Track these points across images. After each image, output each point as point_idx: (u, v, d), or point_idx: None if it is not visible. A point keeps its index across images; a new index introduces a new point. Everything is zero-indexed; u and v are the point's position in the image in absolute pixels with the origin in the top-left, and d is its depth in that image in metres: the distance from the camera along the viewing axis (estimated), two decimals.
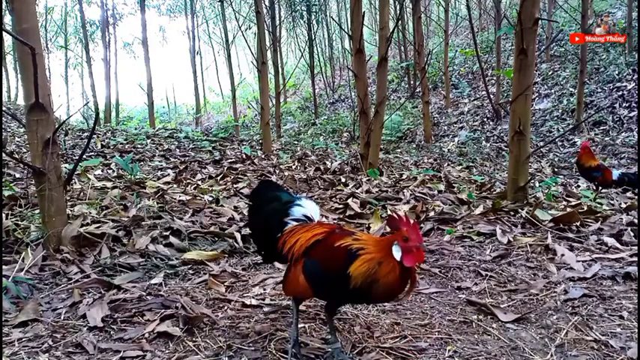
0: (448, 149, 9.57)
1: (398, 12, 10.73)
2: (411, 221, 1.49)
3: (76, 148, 6.54)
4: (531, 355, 1.76)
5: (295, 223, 1.77)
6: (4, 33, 2.67)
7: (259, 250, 1.95)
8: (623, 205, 4.08)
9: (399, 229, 1.48)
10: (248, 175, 5.41)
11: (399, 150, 9.99)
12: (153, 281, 2.39)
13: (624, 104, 9.19)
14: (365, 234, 1.64)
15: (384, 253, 1.48)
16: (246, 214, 2.00)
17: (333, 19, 17.33)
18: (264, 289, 2.35)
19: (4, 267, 2.31)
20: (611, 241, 2.87)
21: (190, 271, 2.58)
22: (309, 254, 1.61)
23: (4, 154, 3.60)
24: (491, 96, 10.86)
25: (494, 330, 1.94)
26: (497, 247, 2.93)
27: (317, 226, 1.72)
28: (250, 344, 1.83)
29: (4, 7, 2.71)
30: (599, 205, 4.08)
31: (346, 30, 11.32)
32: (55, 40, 20.05)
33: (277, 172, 5.66)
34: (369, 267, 1.46)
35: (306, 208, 1.83)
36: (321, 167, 6.13)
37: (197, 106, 19.30)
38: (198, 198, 4.03)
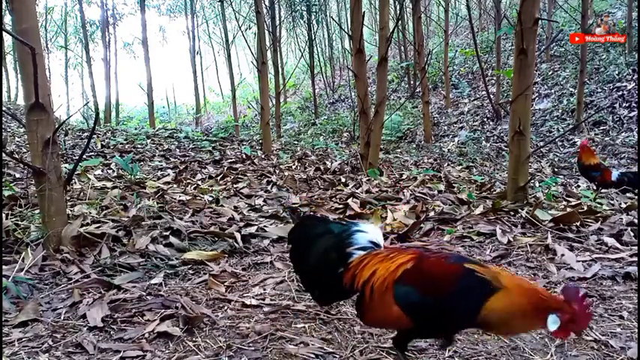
0: (448, 149, 9.57)
1: (398, 12, 10.72)
2: (589, 304, 1.30)
3: (76, 148, 6.54)
4: (531, 355, 1.76)
5: (362, 252, 1.56)
6: (4, 33, 2.67)
7: (314, 293, 1.72)
8: (623, 205, 4.07)
9: (569, 302, 1.27)
10: (248, 175, 5.41)
11: (399, 150, 9.99)
12: (153, 281, 2.39)
13: (624, 104, 9.19)
14: (482, 264, 1.41)
15: (531, 307, 1.29)
16: (290, 257, 1.81)
17: (333, 19, 17.32)
18: (264, 289, 2.35)
19: (4, 267, 2.31)
20: (611, 241, 2.87)
21: (190, 271, 2.58)
22: (403, 280, 1.41)
23: (4, 154, 3.60)
24: (492, 96, 10.85)
25: None
26: (497, 247, 2.93)
27: (395, 253, 1.50)
28: (250, 344, 1.83)
29: (4, 7, 2.71)
30: (599, 205, 4.09)
31: (346, 30, 11.31)
32: (55, 40, 20.05)
33: (277, 172, 5.66)
34: (509, 313, 1.29)
35: (370, 233, 1.63)
36: (321, 167, 6.13)
37: (197, 106, 19.29)
38: (198, 198, 4.03)
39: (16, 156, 4.79)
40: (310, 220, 1.93)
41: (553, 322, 1.28)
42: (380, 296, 1.43)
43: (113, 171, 5.18)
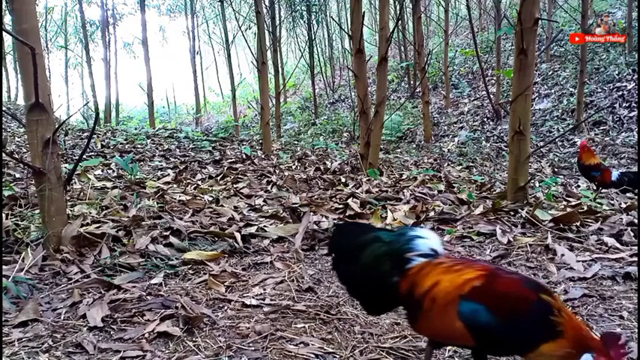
0: (448, 149, 9.57)
1: (398, 12, 10.73)
2: (626, 353, 1.23)
3: (76, 148, 6.54)
4: None
5: (422, 260, 1.47)
6: (4, 33, 2.67)
7: (364, 304, 1.65)
8: (623, 205, 4.07)
9: (608, 348, 1.22)
10: (248, 175, 5.41)
11: (399, 150, 9.99)
12: (153, 281, 2.39)
13: (624, 104, 9.19)
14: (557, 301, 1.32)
15: (577, 349, 1.24)
16: (333, 268, 1.71)
17: (333, 19, 17.32)
18: (264, 289, 2.35)
19: (4, 267, 2.31)
20: (611, 241, 2.87)
21: (190, 271, 2.58)
22: (472, 297, 1.33)
23: (4, 154, 3.60)
24: (491, 96, 10.86)
25: None
26: (497, 247, 2.93)
27: (460, 266, 1.42)
28: (250, 344, 1.83)
29: (4, 7, 2.71)
30: (599, 205, 4.09)
31: (346, 30, 11.31)
32: (55, 40, 20.07)
33: (277, 172, 5.66)
34: (556, 357, 1.24)
35: (431, 239, 1.53)
36: (321, 167, 6.13)
37: (197, 106, 19.30)
38: (198, 198, 4.03)
39: (16, 156, 4.80)
40: (349, 227, 1.84)
41: None
42: (441, 309, 1.36)
43: (113, 171, 5.18)
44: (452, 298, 1.34)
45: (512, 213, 3.55)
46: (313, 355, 1.75)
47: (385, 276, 1.48)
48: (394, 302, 1.53)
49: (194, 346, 1.81)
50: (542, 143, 8.68)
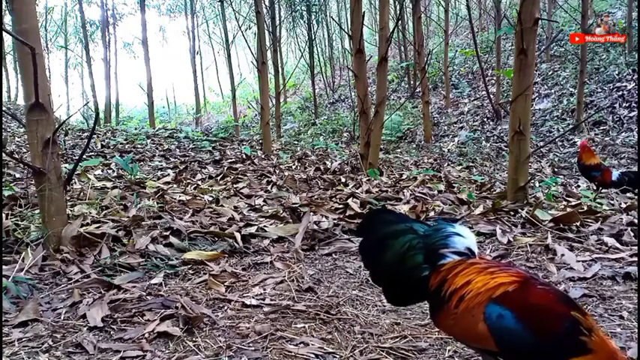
0: (448, 149, 9.57)
1: (398, 12, 10.73)
2: None
3: (76, 148, 6.54)
4: None
5: (457, 258, 1.46)
6: (4, 33, 2.67)
7: (387, 292, 1.64)
8: (623, 205, 4.08)
9: None
10: (248, 175, 5.41)
11: (399, 150, 9.99)
12: (153, 281, 2.39)
13: (624, 104, 9.19)
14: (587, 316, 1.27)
15: None
16: (360, 250, 1.69)
17: (333, 19, 17.32)
18: (264, 289, 2.35)
19: (4, 267, 2.31)
20: (611, 241, 2.87)
21: (190, 271, 2.58)
22: (501, 301, 1.31)
23: (4, 154, 3.60)
24: (491, 96, 10.86)
25: None
26: (497, 247, 2.93)
27: (495, 268, 1.40)
28: (250, 344, 1.83)
29: (4, 7, 2.71)
30: (599, 205, 4.09)
31: (346, 30, 11.31)
32: (55, 40, 20.07)
33: (277, 172, 5.66)
34: None
35: (468, 238, 1.52)
36: (321, 167, 6.13)
37: (197, 106, 19.30)
38: (198, 198, 4.03)
39: (16, 156, 4.80)
40: (384, 214, 1.81)
41: None
42: (468, 309, 1.34)
43: (113, 171, 5.18)
44: (481, 299, 1.32)
45: (512, 213, 3.55)
46: (313, 355, 1.75)
47: (416, 268, 1.48)
48: (419, 295, 1.52)
49: (194, 346, 1.81)
50: (542, 143, 8.68)
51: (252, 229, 3.20)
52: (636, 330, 1.89)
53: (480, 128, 10.80)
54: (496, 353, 1.33)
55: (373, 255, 1.61)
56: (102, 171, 5.13)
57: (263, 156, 7.12)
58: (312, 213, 3.51)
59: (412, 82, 14.43)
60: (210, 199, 4.04)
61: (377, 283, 1.71)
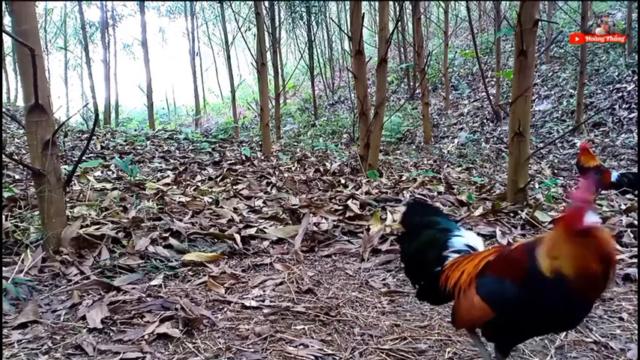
0: (448, 150, 9.57)
1: (397, 13, 10.74)
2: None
3: (75, 150, 6.53)
4: (531, 356, 1.76)
5: (456, 255, 1.57)
6: (3, 34, 2.67)
7: (414, 284, 1.75)
8: (623, 207, 4.08)
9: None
10: (248, 176, 5.41)
11: (398, 151, 9.99)
12: (152, 283, 2.39)
13: (624, 105, 9.19)
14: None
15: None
16: (398, 241, 1.84)
17: (333, 21, 17.30)
18: (264, 291, 2.35)
19: (3, 268, 2.31)
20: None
21: (190, 273, 2.58)
22: (484, 271, 1.42)
23: (3, 156, 3.60)
24: (491, 97, 10.86)
25: None
26: None
27: (483, 252, 1.51)
28: (250, 346, 1.83)
29: (3, 8, 2.71)
30: (598, 207, 4.08)
31: (346, 31, 11.31)
32: (54, 42, 20.05)
33: (277, 173, 5.66)
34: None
35: (467, 237, 1.64)
36: (321, 168, 6.13)
37: (197, 108, 19.28)
38: (197, 199, 4.03)
39: (16, 157, 4.79)
40: (420, 207, 1.95)
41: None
42: (465, 293, 1.45)
43: (113, 172, 5.18)
44: (471, 278, 1.44)
45: (512, 214, 3.55)
46: (313, 357, 1.75)
47: (429, 263, 1.61)
48: (439, 295, 1.58)
49: (194, 347, 1.80)
50: (541, 145, 8.68)
51: (252, 231, 3.20)
52: (636, 331, 1.88)
53: (479, 129, 10.80)
54: (497, 321, 1.37)
55: (405, 245, 1.74)
56: (101, 172, 5.13)
57: (263, 157, 7.11)
58: (311, 214, 3.51)
59: (412, 84, 14.43)
60: (210, 200, 4.03)
61: (407, 274, 1.79)
